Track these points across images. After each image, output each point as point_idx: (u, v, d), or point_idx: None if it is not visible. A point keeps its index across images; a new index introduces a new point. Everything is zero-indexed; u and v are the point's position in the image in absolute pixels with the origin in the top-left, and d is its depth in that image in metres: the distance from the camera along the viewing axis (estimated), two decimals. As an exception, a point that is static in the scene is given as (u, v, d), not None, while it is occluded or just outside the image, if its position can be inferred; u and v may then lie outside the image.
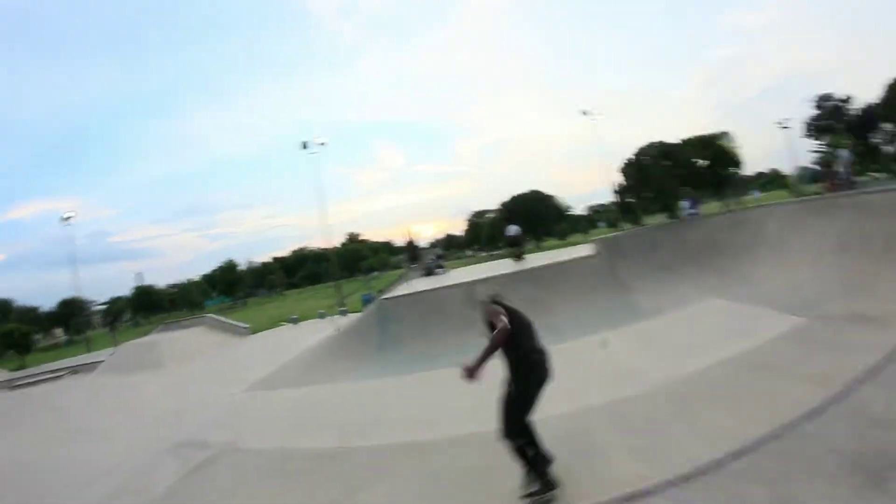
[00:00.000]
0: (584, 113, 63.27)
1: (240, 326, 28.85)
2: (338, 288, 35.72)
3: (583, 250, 21.49)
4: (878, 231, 11.13)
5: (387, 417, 8.18)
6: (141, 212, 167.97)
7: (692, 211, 25.58)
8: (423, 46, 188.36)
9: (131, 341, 29.96)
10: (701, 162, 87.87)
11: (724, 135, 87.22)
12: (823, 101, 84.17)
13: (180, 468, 7.26)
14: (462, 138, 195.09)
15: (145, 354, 22.98)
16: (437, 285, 17.94)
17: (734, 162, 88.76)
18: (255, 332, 28.53)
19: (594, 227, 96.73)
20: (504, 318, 4.80)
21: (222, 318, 30.42)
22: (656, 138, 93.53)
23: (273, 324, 31.15)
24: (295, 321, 29.08)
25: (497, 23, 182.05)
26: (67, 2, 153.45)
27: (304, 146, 45.06)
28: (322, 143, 45.09)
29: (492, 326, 4.82)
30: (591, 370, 8.67)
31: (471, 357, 4.71)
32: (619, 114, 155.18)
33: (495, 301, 5.21)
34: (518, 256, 23.35)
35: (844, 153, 21.16)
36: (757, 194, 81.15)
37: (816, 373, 6.22)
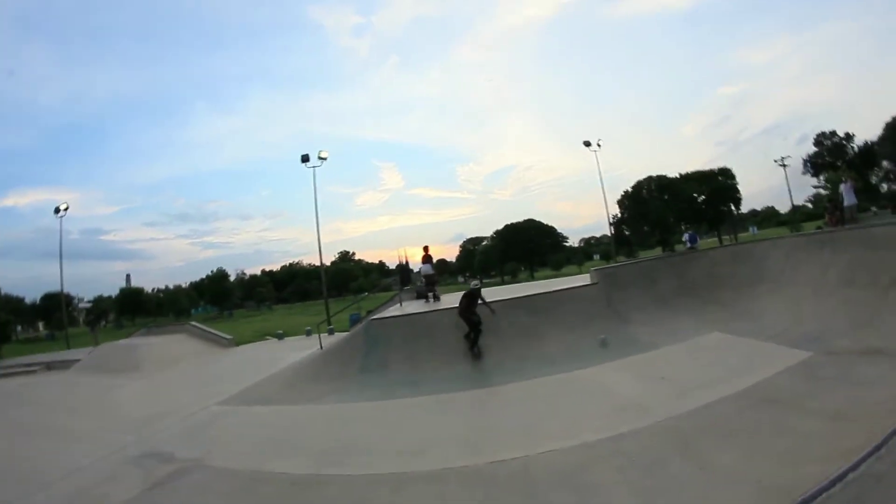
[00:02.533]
0: (586, 144, 63.82)
1: (223, 337, 28.27)
2: (326, 306, 35.42)
3: (579, 280, 21.52)
4: (882, 265, 11.13)
5: (365, 444, 7.81)
6: (137, 213, 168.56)
7: (692, 245, 25.42)
8: (432, 70, 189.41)
9: (111, 342, 29.53)
10: (700, 197, 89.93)
11: (724, 171, 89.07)
12: (825, 139, 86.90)
13: (141, 481, 6.91)
14: (464, 164, 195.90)
15: (124, 357, 22.52)
16: (428, 309, 17.61)
17: (733, 198, 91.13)
18: (238, 344, 28.02)
19: (590, 259, 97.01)
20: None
21: (205, 328, 29.82)
22: (659, 172, 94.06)
23: (258, 337, 30.67)
24: (280, 336, 28.53)
25: (506, 52, 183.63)
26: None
27: (305, 159, 44.98)
28: (323, 158, 45.00)
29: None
30: (588, 402, 8.45)
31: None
32: (622, 147, 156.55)
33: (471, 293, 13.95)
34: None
35: (847, 187, 21.01)
36: (755, 231, 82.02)
37: (830, 408, 6.02)
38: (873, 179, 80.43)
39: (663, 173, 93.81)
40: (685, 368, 9.68)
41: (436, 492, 5.62)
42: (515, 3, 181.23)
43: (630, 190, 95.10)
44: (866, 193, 69.42)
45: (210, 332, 28.92)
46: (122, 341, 29.46)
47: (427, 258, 22.53)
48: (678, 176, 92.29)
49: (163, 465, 7.48)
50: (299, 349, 19.49)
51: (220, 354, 24.73)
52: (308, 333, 27.22)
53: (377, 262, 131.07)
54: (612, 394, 8.76)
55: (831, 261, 13.10)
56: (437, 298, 21.40)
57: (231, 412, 11.45)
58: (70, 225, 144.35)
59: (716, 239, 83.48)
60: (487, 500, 4.80)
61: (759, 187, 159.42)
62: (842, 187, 21.63)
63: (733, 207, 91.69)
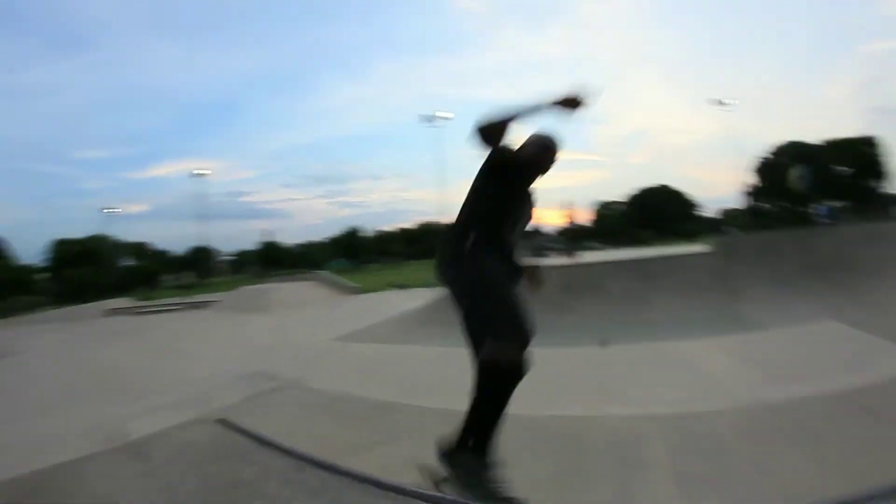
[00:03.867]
0: (719, 103, 60.27)
1: (349, 285, 30.16)
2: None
3: (697, 247, 20.53)
4: None
5: (445, 383, 8.15)
6: (275, 176, 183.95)
7: (827, 219, 24.35)
8: (555, 28, 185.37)
9: (247, 286, 32.09)
10: (843, 169, 79.90)
11: (867, 140, 79.44)
12: None
13: (244, 392, 7.78)
14: (596, 126, 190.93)
15: (256, 299, 24.93)
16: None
17: (880, 173, 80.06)
18: (363, 292, 29.57)
19: (722, 231, 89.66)
20: None
21: (334, 276, 31.91)
22: (797, 136, 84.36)
23: (383, 288, 32.08)
24: (403, 287, 29.73)
25: (635, 6, 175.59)
26: None
27: (428, 119, 45.79)
28: (446, 118, 45.62)
29: None
30: (673, 375, 7.92)
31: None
32: (760, 108, 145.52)
33: None
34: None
35: None
36: None
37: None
38: None
39: (804, 139, 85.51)
40: (785, 356, 8.64)
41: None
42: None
43: (767, 157, 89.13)
44: None
45: (337, 280, 30.75)
46: (257, 286, 32.00)
47: (570, 215, 23.14)
48: (821, 143, 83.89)
49: (265, 382, 8.35)
50: (418, 299, 20.39)
51: (344, 300, 26.57)
52: (430, 285, 28.28)
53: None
54: (699, 371, 8.14)
55: None
56: (571, 255, 22.20)
57: (340, 347, 12.42)
58: (213, 189, 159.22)
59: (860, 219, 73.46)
60: (531, 447, 4.88)
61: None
62: None
63: (882, 184, 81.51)
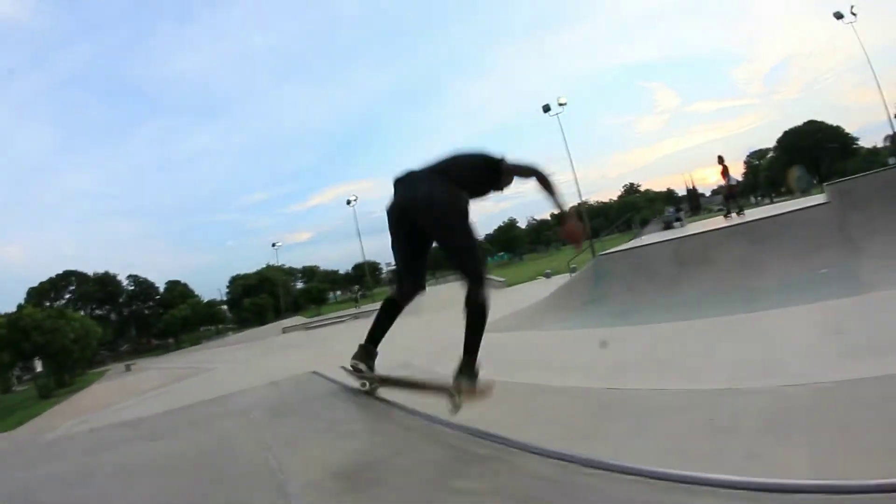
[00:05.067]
0: (838, 17, 55.79)
1: (496, 280, 31.66)
2: (590, 245, 36.93)
3: (815, 199, 18.38)
4: None
5: (545, 362, 8.96)
6: None
7: None
8: None
9: None
10: None
11: None
12: None
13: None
14: (738, 65, 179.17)
15: (410, 304, 26.84)
16: (654, 241, 18.08)
17: None
18: (510, 285, 31.00)
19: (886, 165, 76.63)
20: None
21: (484, 274, 33.69)
22: None
23: (532, 277, 33.28)
24: (548, 275, 30.71)
25: None
26: (327, 26, 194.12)
27: (546, 109, 46.35)
28: (563, 104, 46.09)
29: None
30: (749, 347, 7.17)
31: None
32: None
33: None
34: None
35: None
36: None
37: None
38: None
39: None
40: (886, 324, 7.27)
41: (557, 402, 5.92)
42: None
43: None
44: None
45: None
46: None
47: (725, 170, 21.98)
48: None
49: (404, 369, 9.98)
50: (553, 287, 21.35)
51: (491, 295, 27.73)
52: (572, 271, 28.99)
53: (665, 189, 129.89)
54: (778, 342, 7.30)
55: None
56: (740, 212, 21.35)
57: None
58: (370, 207, 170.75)
59: None
60: (578, 415, 5.04)
61: None
62: None
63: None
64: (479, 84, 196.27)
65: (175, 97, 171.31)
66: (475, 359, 4.94)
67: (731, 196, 21.97)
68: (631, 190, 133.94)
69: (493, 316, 14.70)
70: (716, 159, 21.32)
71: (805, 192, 52.71)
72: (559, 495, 3.01)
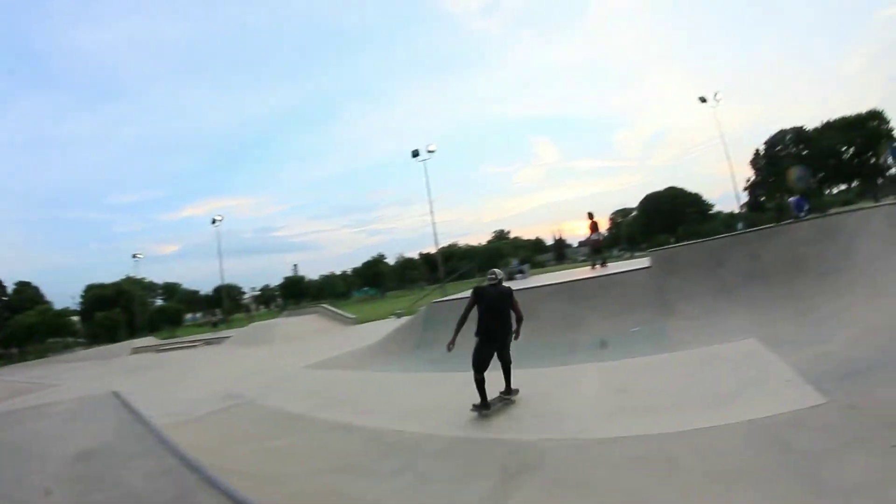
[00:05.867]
0: (702, 100, 61.57)
1: (347, 317, 33.49)
2: (443, 287, 38.94)
3: (640, 263, 19.45)
4: None
5: (373, 406, 10.04)
6: (304, 209, 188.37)
7: (799, 212, 22.73)
8: (571, 36, 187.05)
9: (258, 322, 35.61)
10: (847, 149, 76.91)
11: (875, 114, 76.38)
12: None
13: (214, 407, 10.85)
14: (619, 130, 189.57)
15: (263, 333, 28.85)
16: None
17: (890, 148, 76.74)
18: (360, 322, 32.27)
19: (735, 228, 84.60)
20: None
21: (333, 309, 35.17)
22: (805, 120, 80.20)
23: (384, 316, 34.36)
24: (399, 315, 31.18)
25: (645, 4, 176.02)
26: (235, 30, 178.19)
27: (415, 154, 48.66)
28: (432, 151, 48.63)
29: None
30: (543, 399, 8.69)
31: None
32: (778, 94, 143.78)
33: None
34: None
35: None
36: None
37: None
38: None
39: (800, 124, 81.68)
40: (666, 382, 8.59)
41: (347, 439, 7.94)
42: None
43: (762, 148, 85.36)
44: None
45: (337, 313, 33.91)
46: (267, 321, 35.78)
47: (594, 225, 22.94)
48: (820, 126, 79.88)
49: (231, 400, 11.35)
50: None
51: (338, 332, 29.33)
52: (398, 316, 30.57)
53: (534, 238, 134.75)
54: (568, 395, 8.80)
55: None
56: (604, 263, 22.47)
57: (306, 373, 15.04)
58: (244, 226, 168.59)
59: (872, 202, 70.70)
60: (360, 452, 6.92)
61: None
62: None
63: (890, 160, 79.67)
64: (374, 117, 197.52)
65: (65, 71, 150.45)
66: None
67: (597, 249, 23.37)
68: (500, 236, 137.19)
69: (332, 353, 16.30)
70: (586, 214, 22.72)
71: (803, 190, 55.35)
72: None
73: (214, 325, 50.71)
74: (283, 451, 7.34)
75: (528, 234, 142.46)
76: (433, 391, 10.48)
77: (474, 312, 8.63)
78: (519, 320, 8.78)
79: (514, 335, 8.75)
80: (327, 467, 6.64)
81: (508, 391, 8.82)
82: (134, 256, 78.37)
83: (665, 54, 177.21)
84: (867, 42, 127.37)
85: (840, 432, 5.27)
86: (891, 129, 75.51)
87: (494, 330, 8.55)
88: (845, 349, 8.23)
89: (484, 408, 8.13)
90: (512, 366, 8.78)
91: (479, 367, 8.24)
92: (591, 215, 22.89)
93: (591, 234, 23.13)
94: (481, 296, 8.76)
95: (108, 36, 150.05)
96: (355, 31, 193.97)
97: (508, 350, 8.73)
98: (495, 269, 9.38)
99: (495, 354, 8.48)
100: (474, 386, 8.13)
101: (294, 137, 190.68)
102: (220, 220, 61.89)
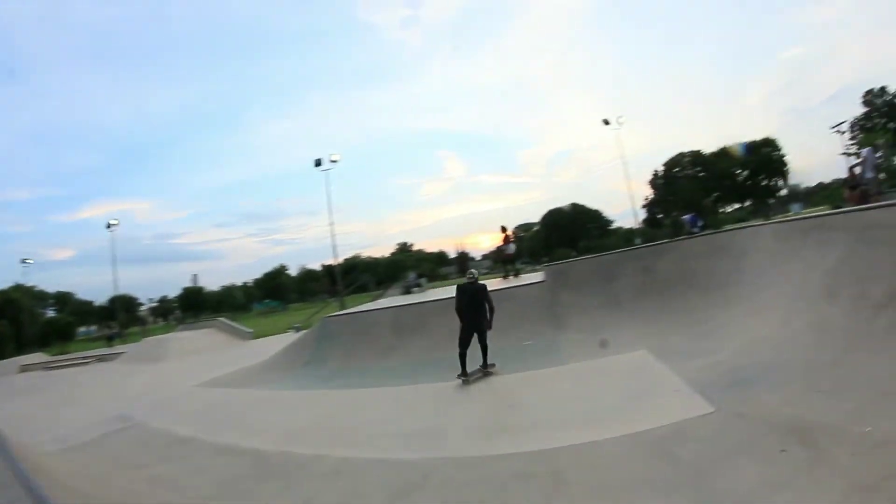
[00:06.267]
0: (605, 123, 65.40)
1: (244, 331, 33.08)
2: (340, 300, 39.31)
3: (535, 277, 19.88)
4: (878, 268, 8.03)
5: (264, 426, 9.94)
6: (207, 216, 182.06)
7: (693, 228, 24.39)
8: (486, 55, 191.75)
9: (152, 337, 34.92)
10: (741, 172, 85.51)
11: (768, 141, 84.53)
12: (875, 98, 77.17)
13: (100, 432, 10.31)
14: (526, 148, 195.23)
15: (156, 349, 27.73)
16: (379, 307, 19.21)
17: (780, 172, 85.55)
18: (257, 337, 32.12)
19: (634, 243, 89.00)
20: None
21: (230, 323, 34.69)
22: (707, 144, 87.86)
23: (282, 330, 34.13)
24: (297, 329, 30.89)
25: (559, 29, 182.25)
26: (149, 20, 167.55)
27: (318, 164, 48.55)
28: (335, 161, 48.75)
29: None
30: (406, 417, 9.03)
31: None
32: (682, 120, 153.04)
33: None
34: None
35: (869, 153, 17.53)
36: (797, 209, 77.00)
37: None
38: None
39: (698, 148, 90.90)
40: (555, 396, 8.80)
41: (232, 463, 7.76)
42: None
43: (661, 169, 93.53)
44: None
45: (234, 327, 33.49)
46: (161, 336, 34.86)
47: (506, 238, 23.51)
48: (717, 150, 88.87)
49: (119, 423, 11.06)
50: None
51: (234, 346, 28.97)
52: (296, 330, 30.52)
53: (437, 251, 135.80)
54: (451, 413, 8.98)
55: (816, 259, 10.07)
56: (517, 274, 23.37)
57: (197, 392, 14.63)
58: (142, 232, 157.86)
59: (762, 219, 78.79)
60: (317, 488, 6.38)
61: (828, 159, 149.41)
62: (864, 153, 18.31)
63: (780, 182, 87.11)
64: (284, 123, 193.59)
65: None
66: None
67: (510, 261, 23.75)
68: (403, 248, 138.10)
69: (226, 370, 16.40)
70: (497, 227, 23.05)
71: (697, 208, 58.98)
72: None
73: (109, 340, 48.36)
74: (165, 479, 7.19)
75: (431, 246, 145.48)
76: (322, 409, 10.63)
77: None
78: (491, 311, 11.21)
79: (487, 324, 11.15)
80: (210, 493, 6.58)
81: (485, 365, 11.24)
82: (23, 262, 73.55)
83: (574, 79, 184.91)
84: (767, 78, 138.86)
85: (728, 441, 5.54)
86: (783, 156, 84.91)
87: (473, 316, 11.12)
88: (733, 359, 8.71)
89: (464, 376, 10.72)
90: (485, 349, 11.22)
91: (463, 344, 10.98)
92: (504, 228, 23.63)
93: (503, 245, 23.70)
94: (463, 290, 11.40)
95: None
96: (271, 35, 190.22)
97: (485, 335, 11.14)
98: (472, 270, 12.11)
99: (476, 337, 11.08)
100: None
101: (199, 139, 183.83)
102: (116, 225, 58.78)
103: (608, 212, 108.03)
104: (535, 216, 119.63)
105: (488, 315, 11.19)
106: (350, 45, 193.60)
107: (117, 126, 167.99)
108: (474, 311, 11.15)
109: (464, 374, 10.76)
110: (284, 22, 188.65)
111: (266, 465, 7.33)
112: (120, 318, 73.17)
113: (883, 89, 78.06)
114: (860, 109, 79.99)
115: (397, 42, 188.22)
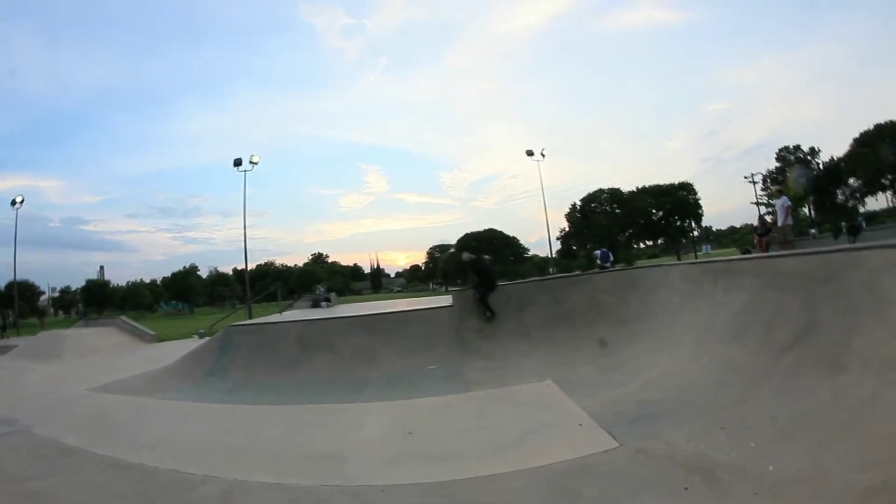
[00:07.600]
0: (529, 154, 68.19)
1: (147, 333, 31.50)
2: (248, 308, 38.38)
3: (443, 301, 19.26)
4: (783, 313, 8.51)
5: (154, 440, 9.27)
6: (119, 204, 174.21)
7: (603, 263, 25.14)
8: (421, 75, 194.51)
9: (49, 332, 33.04)
10: (657, 212, 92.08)
11: (684, 185, 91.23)
12: (788, 153, 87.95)
13: None
14: (449, 171, 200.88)
15: (52, 345, 26.11)
16: (285, 320, 18.72)
17: (694, 214, 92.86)
18: (161, 340, 30.77)
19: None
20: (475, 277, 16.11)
21: (133, 323, 33.01)
22: (627, 184, 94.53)
23: (186, 335, 33.07)
24: (201, 335, 29.49)
25: (495, 60, 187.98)
26: None
27: (237, 163, 47.20)
28: (255, 162, 47.57)
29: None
30: (311, 440, 8.52)
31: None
32: (608, 159, 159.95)
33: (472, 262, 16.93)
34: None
35: (781, 204, 18.67)
36: (707, 250, 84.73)
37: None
38: (839, 198, 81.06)
39: (617, 186, 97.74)
40: (456, 424, 8.66)
41: (120, 480, 7.11)
42: (508, 11, 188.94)
43: (579, 203, 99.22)
44: (831, 214, 69.85)
45: (136, 328, 31.96)
46: (57, 331, 33.23)
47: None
48: (635, 189, 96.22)
49: (4, 427, 10.18)
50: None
51: (135, 348, 27.70)
52: (200, 336, 29.27)
53: (352, 264, 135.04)
54: (353, 436, 8.65)
55: (724, 300, 10.68)
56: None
57: (90, 396, 13.71)
58: (51, 212, 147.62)
59: (674, 257, 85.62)
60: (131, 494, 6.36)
61: (739, 205, 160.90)
62: (776, 204, 19.58)
63: (693, 224, 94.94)
64: (208, 118, 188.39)
65: None
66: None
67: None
68: (318, 259, 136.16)
69: (123, 374, 15.59)
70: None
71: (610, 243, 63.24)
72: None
73: (3, 331, 45.62)
74: (43, 496, 6.63)
75: (347, 259, 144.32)
76: (219, 424, 10.12)
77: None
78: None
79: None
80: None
81: (490, 311, 15.44)
82: None
83: (503, 108, 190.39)
84: (690, 127, 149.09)
85: (631, 477, 5.51)
86: (697, 199, 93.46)
87: (488, 282, 15.95)
88: (639, 393, 8.85)
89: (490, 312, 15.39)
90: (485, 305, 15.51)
91: (483, 299, 15.51)
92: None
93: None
94: (479, 263, 16.75)
95: None
96: (210, 22, 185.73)
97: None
98: (485, 256, 17.68)
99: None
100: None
101: (119, 121, 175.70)
102: (22, 202, 55.08)
103: (525, 240, 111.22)
104: (453, 238, 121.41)
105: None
106: (287, 45, 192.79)
107: (37, 93, 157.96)
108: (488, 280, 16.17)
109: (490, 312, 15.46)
110: (224, 9, 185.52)
111: (153, 483, 6.86)
112: (17, 307, 68.22)
113: (797, 147, 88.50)
114: (773, 164, 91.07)
115: (335, 49, 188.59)
